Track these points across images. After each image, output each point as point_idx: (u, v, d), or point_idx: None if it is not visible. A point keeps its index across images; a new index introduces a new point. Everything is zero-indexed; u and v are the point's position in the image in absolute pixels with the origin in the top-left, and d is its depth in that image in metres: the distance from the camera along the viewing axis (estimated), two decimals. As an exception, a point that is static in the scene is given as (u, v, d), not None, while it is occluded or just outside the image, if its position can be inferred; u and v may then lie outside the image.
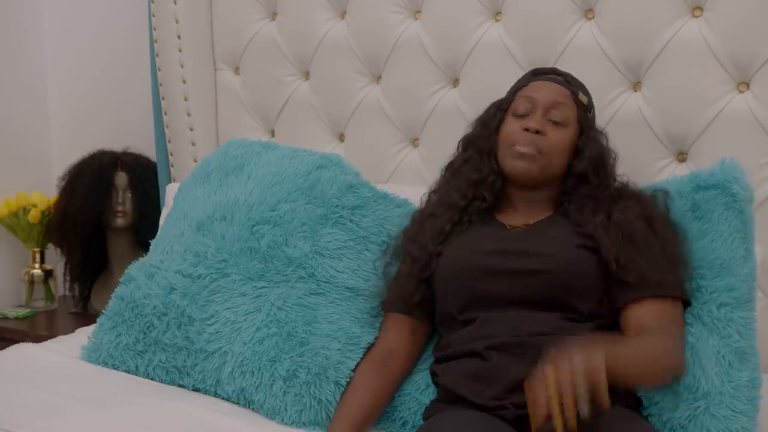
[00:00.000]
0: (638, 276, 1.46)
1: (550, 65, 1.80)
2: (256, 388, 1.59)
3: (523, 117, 1.58)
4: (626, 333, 1.48)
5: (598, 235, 1.49)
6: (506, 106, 1.63)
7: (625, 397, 1.44)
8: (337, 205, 1.75)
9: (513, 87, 1.69)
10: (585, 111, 1.62)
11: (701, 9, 1.79)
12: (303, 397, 1.56)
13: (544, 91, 1.59)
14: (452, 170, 1.68)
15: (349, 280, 1.69)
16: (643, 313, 1.46)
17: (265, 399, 1.58)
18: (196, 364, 1.67)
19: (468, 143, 1.68)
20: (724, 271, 1.50)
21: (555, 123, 1.57)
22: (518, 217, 1.60)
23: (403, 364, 1.61)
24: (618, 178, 1.62)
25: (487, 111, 1.67)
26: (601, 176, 1.58)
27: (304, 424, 1.55)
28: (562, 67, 1.69)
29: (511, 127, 1.59)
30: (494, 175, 1.61)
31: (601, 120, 1.79)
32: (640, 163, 1.82)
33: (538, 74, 1.66)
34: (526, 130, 1.55)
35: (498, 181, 1.61)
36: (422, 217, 1.66)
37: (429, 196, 1.70)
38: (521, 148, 1.55)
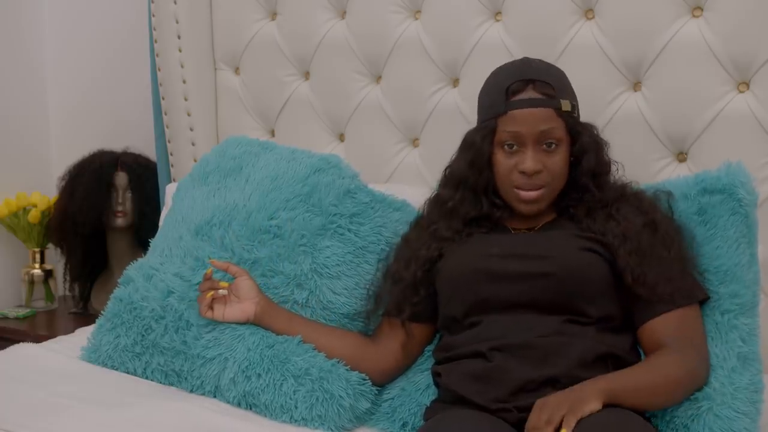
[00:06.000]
0: (651, 290, 1.46)
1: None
2: (263, 390, 1.58)
3: (514, 150, 1.53)
4: (645, 351, 1.49)
5: (616, 245, 1.49)
6: (491, 137, 1.55)
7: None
8: (335, 214, 1.74)
9: (489, 109, 1.56)
10: (570, 115, 1.55)
11: (701, 9, 1.79)
12: (315, 392, 1.56)
13: (528, 123, 1.51)
14: (444, 207, 1.62)
15: (346, 304, 1.70)
16: (661, 329, 1.46)
17: (273, 398, 1.57)
18: (193, 370, 1.66)
19: (459, 182, 1.61)
20: (729, 278, 1.50)
21: (549, 145, 1.52)
22: (522, 221, 1.60)
23: (378, 357, 1.63)
24: (614, 169, 1.61)
25: (472, 144, 1.58)
26: (602, 177, 1.58)
27: (312, 418, 1.55)
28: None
29: (506, 164, 1.54)
30: (497, 209, 1.60)
31: (601, 120, 1.79)
32: (640, 163, 1.81)
33: (512, 94, 1.52)
34: (523, 172, 1.52)
35: (504, 212, 1.60)
36: (409, 242, 1.65)
37: (418, 221, 1.68)
38: (525, 194, 1.53)
